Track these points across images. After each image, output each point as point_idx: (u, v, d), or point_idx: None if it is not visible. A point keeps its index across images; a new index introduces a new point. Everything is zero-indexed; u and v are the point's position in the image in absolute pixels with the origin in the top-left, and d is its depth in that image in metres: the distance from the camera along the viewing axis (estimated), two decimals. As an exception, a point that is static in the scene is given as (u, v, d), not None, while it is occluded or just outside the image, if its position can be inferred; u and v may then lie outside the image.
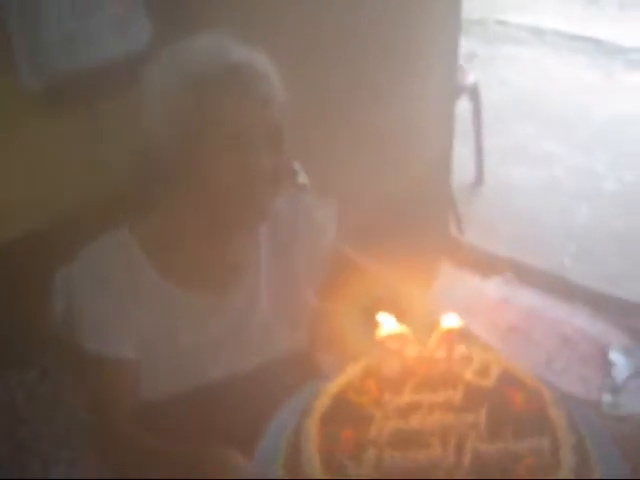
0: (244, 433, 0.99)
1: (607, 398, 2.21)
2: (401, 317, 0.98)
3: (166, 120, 1.13)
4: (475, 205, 3.15)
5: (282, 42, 1.27)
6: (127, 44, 1.33)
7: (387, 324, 0.97)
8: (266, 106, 1.13)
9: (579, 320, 2.53)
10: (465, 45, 2.74)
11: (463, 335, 1.00)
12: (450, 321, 0.97)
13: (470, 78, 3.04)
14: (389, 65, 2.08)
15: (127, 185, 1.32)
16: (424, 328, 0.99)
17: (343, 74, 1.92)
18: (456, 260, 2.77)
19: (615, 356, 2.33)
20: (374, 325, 0.99)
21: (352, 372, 1.00)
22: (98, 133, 1.34)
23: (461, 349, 1.00)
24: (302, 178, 1.46)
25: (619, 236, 2.94)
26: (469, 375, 0.99)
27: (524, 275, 2.68)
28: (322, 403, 0.96)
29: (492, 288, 2.68)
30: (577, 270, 2.78)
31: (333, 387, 0.98)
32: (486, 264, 2.75)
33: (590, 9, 5.18)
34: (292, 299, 1.29)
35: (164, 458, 1.08)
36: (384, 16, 2.01)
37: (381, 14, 1.99)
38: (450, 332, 0.97)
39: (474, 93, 3.08)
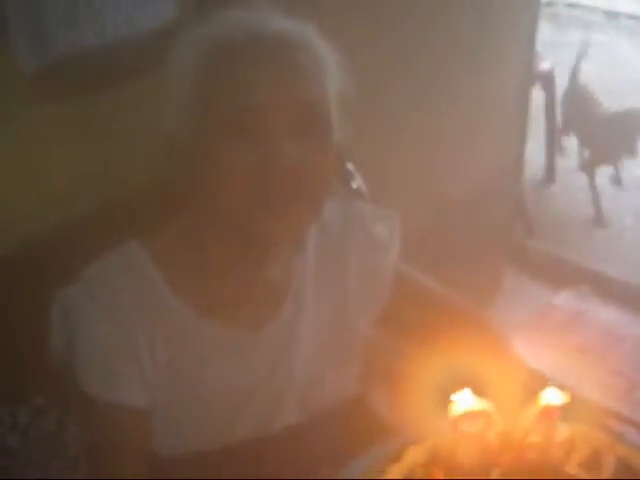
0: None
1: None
2: (484, 386, 0.73)
3: (176, 99, 0.90)
4: (545, 206, 2.88)
5: (343, 22, 1.02)
6: (149, 17, 1.09)
7: (463, 398, 0.71)
8: (299, 79, 0.87)
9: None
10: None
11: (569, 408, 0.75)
12: (552, 396, 0.71)
13: (545, 65, 2.77)
14: (462, 51, 1.85)
15: (139, 189, 1.08)
16: (515, 402, 0.73)
17: (410, 61, 1.69)
18: (523, 269, 2.51)
19: None
20: (447, 392, 0.74)
21: (413, 457, 0.75)
22: (105, 126, 1.12)
23: (563, 430, 0.75)
24: (357, 182, 1.20)
25: None
26: (573, 467, 0.74)
27: (602, 288, 2.41)
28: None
29: (564, 302, 2.41)
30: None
31: (390, 476, 0.74)
32: (558, 274, 2.49)
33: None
34: (342, 332, 1.05)
35: None
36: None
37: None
38: (551, 410, 0.72)
39: (549, 81, 2.81)
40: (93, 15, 1.02)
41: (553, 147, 2.97)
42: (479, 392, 0.72)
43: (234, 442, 0.98)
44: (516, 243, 2.57)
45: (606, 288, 2.40)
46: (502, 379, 0.79)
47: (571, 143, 3.13)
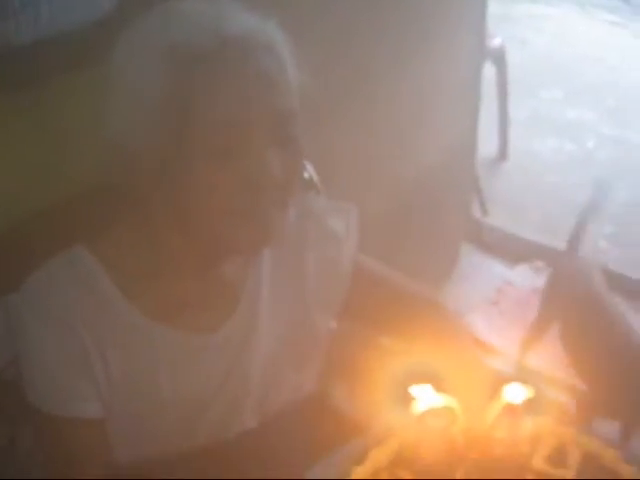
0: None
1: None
2: (445, 382, 0.72)
3: (139, 107, 0.84)
4: (498, 182, 2.88)
5: (289, 10, 0.98)
6: (85, 10, 1.04)
7: (425, 395, 0.70)
8: (275, 91, 0.85)
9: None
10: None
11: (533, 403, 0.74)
12: (515, 394, 0.70)
13: (495, 41, 2.75)
14: (412, 29, 1.82)
15: (87, 191, 1.03)
16: (478, 397, 0.72)
17: (358, 40, 1.65)
18: (479, 245, 2.52)
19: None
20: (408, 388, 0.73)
21: (378, 458, 0.73)
22: (52, 122, 1.06)
23: (528, 425, 0.74)
24: (309, 172, 1.17)
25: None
26: (539, 462, 0.73)
27: (554, 262, 2.41)
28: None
29: (519, 277, 2.42)
30: (614, 255, 2.51)
31: (355, 476, 0.72)
32: (512, 250, 2.49)
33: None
34: (303, 328, 1.02)
35: None
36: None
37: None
38: (515, 406, 0.70)
39: (499, 58, 2.79)
40: (27, 6, 0.96)
41: (505, 124, 2.96)
42: (441, 388, 0.70)
43: (192, 448, 0.95)
44: (473, 220, 2.57)
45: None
46: (463, 374, 0.78)
47: (521, 116, 3.13)
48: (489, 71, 2.83)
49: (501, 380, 0.72)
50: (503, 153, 2.99)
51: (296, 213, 1.01)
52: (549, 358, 1.78)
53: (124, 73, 0.85)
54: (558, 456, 0.73)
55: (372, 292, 1.05)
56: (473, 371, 0.83)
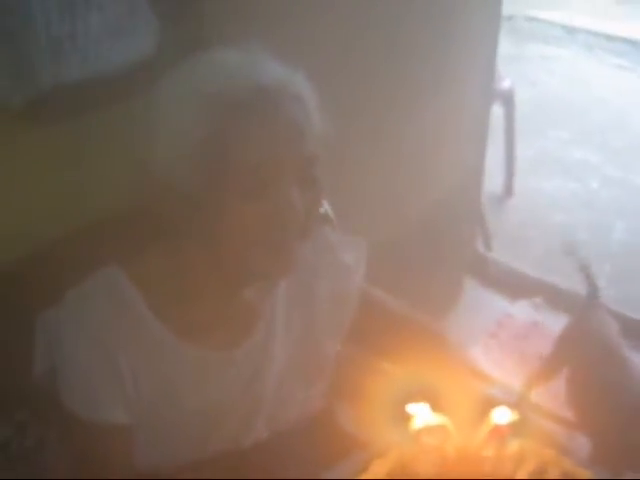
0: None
1: None
2: (441, 403, 0.80)
3: (179, 147, 0.93)
4: (503, 219, 2.95)
5: (310, 56, 1.08)
6: (128, 51, 1.13)
7: (422, 413, 0.79)
8: (302, 136, 0.93)
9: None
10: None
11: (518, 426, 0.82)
12: (502, 416, 0.79)
13: (505, 83, 2.84)
14: (423, 68, 1.89)
15: (123, 217, 1.13)
16: (469, 419, 0.80)
17: (370, 79, 1.73)
18: (482, 279, 2.59)
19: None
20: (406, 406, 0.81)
21: (377, 470, 0.82)
22: (89, 154, 1.16)
23: (513, 445, 0.82)
24: (324, 208, 1.27)
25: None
26: (522, 478, 0.81)
27: (554, 299, 2.49)
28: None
29: (519, 312, 2.50)
30: (613, 294, 2.58)
31: (356, 487, 0.81)
32: (514, 285, 2.57)
33: (623, 6, 4.94)
34: (312, 351, 1.11)
35: None
36: (419, 17, 1.82)
37: (417, 15, 1.80)
38: (502, 428, 0.79)
39: (508, 99, 2.88)
40: (76, 50, 1.06)
41: (512, 163, 3.04)
42: (436, 407, 0.79)
43: (207, 456, 1.03)
44: (476, 255, 2.65)
45: (558, 299, 2.48)
46: (456, 396, 0.86)
47: (528, 155, 3.22)
48: (498, 111, 2.94)
49: (491, 403, 0.80)
50: (509, 190, 3.07)
51: (312, 245, 1.09)
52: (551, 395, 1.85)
53: (166, 115, 0.94)
54: (539, 474, 0.81)
55: (377, 319, 1.14)
56: (466, 394, 0.92)
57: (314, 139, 0.95)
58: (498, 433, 0.79)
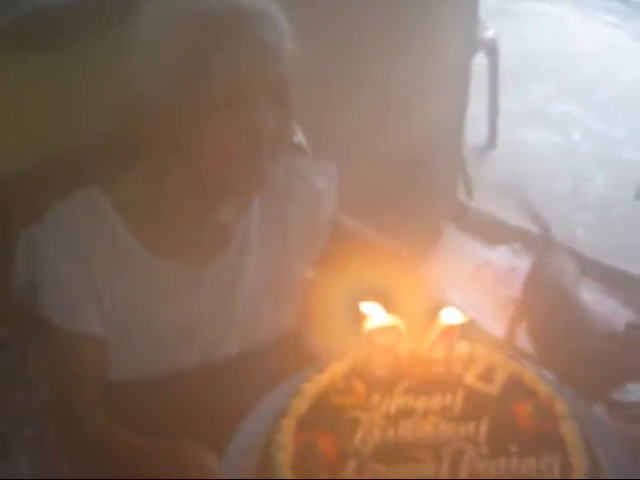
0: (221, 427, 0.89)
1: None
2: (393, 305, 0.85)
3: (159, 65, 0.97)
4: (485, 169, 2.99)
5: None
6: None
7: (376, 314, 0.83)
8: (275, 57, 0.98)
9: (588, 296, 2.39)
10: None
11: (467, 330, 0.87)
12: (451, 316, 0.84)
13: (489, 33, 2.86)
14: (402, 11, 1.91)
15: (102, 139, 1.16)
16: (421, 321, 0.85)
17: (348, 19, 1.76)
18: (462, 226, 2.63)
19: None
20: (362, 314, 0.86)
21: (336, 369, 0.87)
22: (73, 77, 1.19)
23: (462, 348, 0.88)
24: (298, 138, 1.30)
25: (636, 207, 2.79)
26: (471, 379, 0.86)
27: (532, 244, 2.53)
28: (299, 406, 0.84)
29: (498, 258, 2.54)
30: (590, 242, 2.63)
31: (313, 387, 0.86)
32: (493, 232, 2.61)
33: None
34: (283, 272, 1.16)
35: (129, 451, 0.97)
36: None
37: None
38: (451, 329, 0.84)
39: (492, 49, 2.90)
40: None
41: (495, 113, 3.07)
42: (389, 310, 0.84)
43: (180, 370, 1.08)
44: (457, 203, 2.69)
45: (536, 245, 2.52)
46: (408, 299, 0.91)
47: (513, 107, 3.24)
48: (483, 62, 2.96)
49: (440, 306, 0.85)
50: (492, 141, 3.10)
51: (285, 170, 1.14)
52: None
53: (148, 36, 0.98)
54: (487, 375, 0.87)
55: (345, 243, 1.19)
56: (417, 298, 0.97)
57: (287, 61, 0.99)
58: (447, 334, 0.84)
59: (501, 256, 2.53)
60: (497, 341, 0.96)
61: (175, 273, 1.08)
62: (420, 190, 2.32)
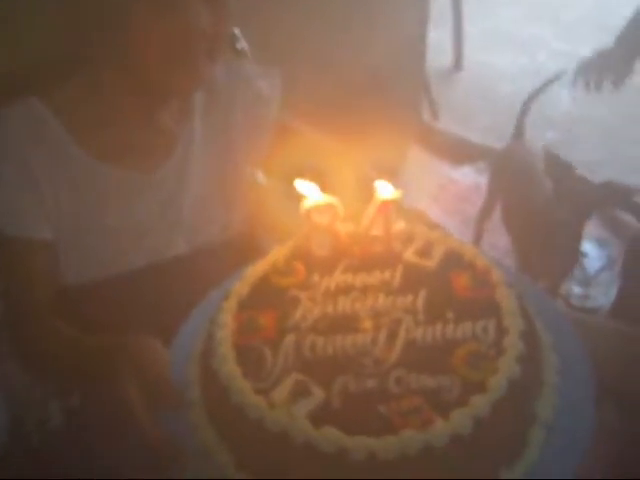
0: (170, 322, 0.89)
1: (577, 290, 2.14)
2: (328, 184, 0.85)
3: None
4: (452, 91, 2.99)
5: None
6: None
7: (312, 193, 0.84)
8: None
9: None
10: None
11: (405, 211, 0.88)
12: (386, 191, 0.84)
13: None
14: None
15: (38, 48, 1.15)
16: (357, 199, 0.86)
17: None
18: (427, 147, 2.64)
19: (588, 247, 2.23)
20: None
21: (277, 253, 0.88)
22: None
23: (400, 225, 0.88)
24: (241, 44, 1.30)
25: (601, 123, 2.81)
26: (410, 255, 0.87)
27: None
28: (241, 287, 0.84)
29: (463, 176, 2.56)
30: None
31: (255, 270, 0.87)
32: (458, 151, 2.62)
33: None
34: (229, 174, 1.17)
35: (80, 348, 0.99)
36: None
37: None
38: (387, 204, 0.85)
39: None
40: None
41: (460, 36, 3.05)
42: (325, 190, 0.84)
43: (129, 270, 1.10)
44: (423, 123, 2.69)
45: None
46: (344, 179, 0.92)
47: (480, 31, 3.22)
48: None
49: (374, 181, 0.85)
50: (458, 64, 3.09)
51: (227, 75, 1.15)
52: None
53: None
54: (425, 251, 0.88)
55: (290, 144, 1.19)
56: (352, 176, 0.98)
57: None
58: (383, 210, 0.85)
59: (465, 175, 2.55)
60: (433, 220, 0.97)
61: (120, 178, 1.08)
62: (384, 112, 2.31)
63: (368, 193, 0.85)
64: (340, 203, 0.84)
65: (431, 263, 0.86)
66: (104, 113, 1.07)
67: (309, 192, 0.82)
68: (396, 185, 0.83)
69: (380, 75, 2.22)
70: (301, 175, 0.87)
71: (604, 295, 2.08)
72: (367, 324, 0.79)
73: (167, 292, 1.07)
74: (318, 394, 0.72)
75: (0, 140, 1.03)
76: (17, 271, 1.06)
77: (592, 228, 2.32)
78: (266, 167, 1.21)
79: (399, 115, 2.43)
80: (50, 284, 1.07)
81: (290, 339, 0.78)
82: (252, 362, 0.76)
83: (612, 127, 2.78)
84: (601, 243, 2.24)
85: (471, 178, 2.54)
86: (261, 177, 1.23)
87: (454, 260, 0.87)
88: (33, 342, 1.05)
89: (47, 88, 1.07)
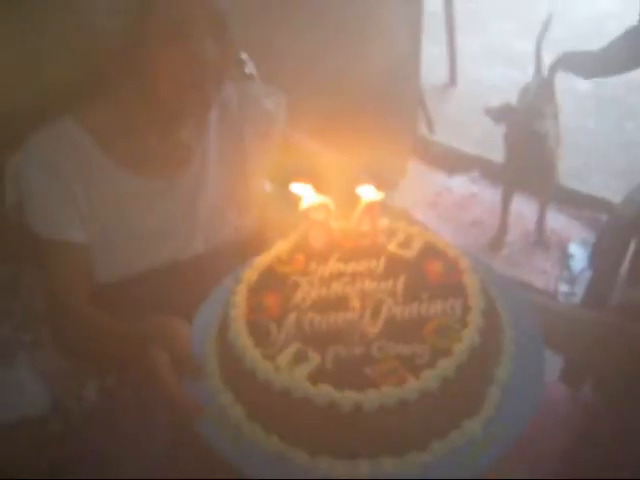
0: (190, 312, 1.05)
1: (564, 288, 2.29)
2: (321, 187, 1.01)
3: (107, 9, 1.12)
4: (447, 106, 3.15)
5: None
6: None
7: (307, 195, 1.00)
8: None
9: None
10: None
11: (390, 209, 1.04)
12: (368, 193, 1.01)
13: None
14: None
15: (70, 75, 1.31)
16: (348, 200, 1.02)
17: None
18: (424, 158, 2.80)
19: (574, 248, 2.39)
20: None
21: (281, 246, 1.04)
22: (39, 21, 1.33)
23: (384, 222, 1.05)
24: (249, 69, 1.47)
25: (588, 132, 2.95)
26: (392, 247, 1.04)
27: (490, 172, 2.71)
28: (251, 274, 1.00)
29: (458, 185, 2.71)
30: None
31: (263, 260, 1.03)
32: (453, 162, 2.78)
33: None
34: (241, 183, 1.33)
35: (116, 332, 1.12)
36: None
37: None
38: (373, 204, 1.01)
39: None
40: None
41: (454, 53, 3.20)
42: (319, 191, 1.00)
43: (153, 268, 1.26)
44: (419, 137, 2.85)
45: (493, 173, 2.70)
46: (337, 181, 1.08)
47: (474, 47, 3.37)
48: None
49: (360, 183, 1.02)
50: (453, 79, 3.24)
51: (238, 95, 1.32)
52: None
53: None
54: (406, 243, 1.04)
55: (295, 157, 1.35)
56: (344, 180, 1.14)
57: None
58: (369, 210, 1.01)
59: (460, 184, 2.71)
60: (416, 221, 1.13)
61: (145, 185, 1.24)
62: (381, 126, 2.45)
63: (358, 195, 1.02)
64: (333, 203, 1.00)
65: (410, 253, 1.02)
66: (129, 129, 1.23)
67: (305, 193, 0.99)
68: (385, 190, 0.99)
69: (376, 91, 2.36)
70: (299, 180, 1.02)
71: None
72: (355, 304, 0.95)
73: (187, 287, 1.21)
74: (315, 359, 0.88)
75: (42, 156, 1.19)
76: (57, 269, 1.22)
77: (577, 230, 2.49)
78: (270, 175, 1.38)
79: (396, 129, 2.58)
80: (86, 281, 1.23)
81: (292, 316, 0.94)
82: (261, 335, 0.92)
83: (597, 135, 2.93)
84: (585, 244, 2.40)
85: (466, 187, 2.69)
86: (267, 184, 1.40)
87: (429, 251, 1.03)
88: (75, 331, 1.20)
89: (77, 107, 1.24)
